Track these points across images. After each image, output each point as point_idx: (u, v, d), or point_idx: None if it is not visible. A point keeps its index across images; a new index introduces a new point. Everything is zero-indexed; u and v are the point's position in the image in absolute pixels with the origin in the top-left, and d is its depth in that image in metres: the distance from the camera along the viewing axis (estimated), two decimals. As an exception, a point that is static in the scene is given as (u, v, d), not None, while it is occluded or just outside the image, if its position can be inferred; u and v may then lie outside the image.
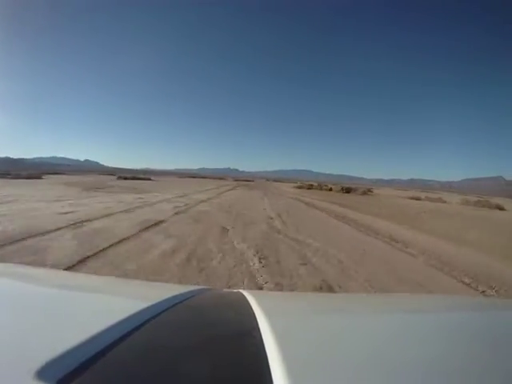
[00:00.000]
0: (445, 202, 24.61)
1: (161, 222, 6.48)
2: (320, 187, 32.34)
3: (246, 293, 0.74)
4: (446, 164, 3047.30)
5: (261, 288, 3.12)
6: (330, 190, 30.66)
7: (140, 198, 11.73)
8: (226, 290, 0.96)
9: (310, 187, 33.16)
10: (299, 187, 34.30)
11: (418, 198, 26.62)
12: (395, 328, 0.57)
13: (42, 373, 0.32)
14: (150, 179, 33.89)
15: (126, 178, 30.62)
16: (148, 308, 0.55)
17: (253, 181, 70.22)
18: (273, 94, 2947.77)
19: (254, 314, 0.57)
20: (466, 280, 3.85)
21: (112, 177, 34.99)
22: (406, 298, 1.07)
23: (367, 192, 28.99)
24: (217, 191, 19.72)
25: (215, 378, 0.37)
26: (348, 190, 29.23)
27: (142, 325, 0.48)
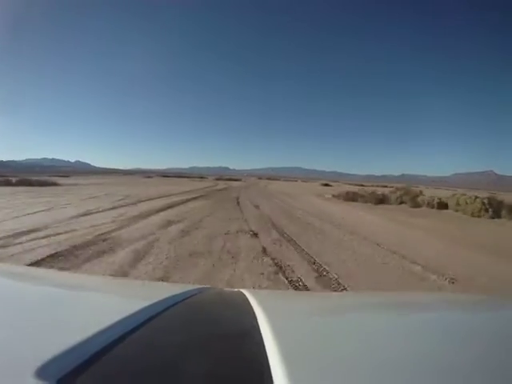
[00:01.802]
0: None
1: None
2: (413, 197, 11.51)
3: (246, 292, 0.73)
4: (437, 159, 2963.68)
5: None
6: (443, 206, 10.13)
7: None
8: (226, 289, 0.95)
9: (377, 199, 12.57)
10: (350, 198, 14.30)
11: None
12: (396, 327, 0.57)
13: (42, 372, 0.31)
14: (54, 184, 19.18)
15: (7, 184, 18.55)
16: (148, 307, 0.54)
17: (240, 179, 49.90)
18: (262, 92, 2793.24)
19: (254, 313, 0.56)
20: None
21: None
22: (407, 297, 1.06)
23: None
24: None
25: (215, 377, 0.37)
26: (496, 210, 8.86)
27: (142, 324, 0.48)
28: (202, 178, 61.53)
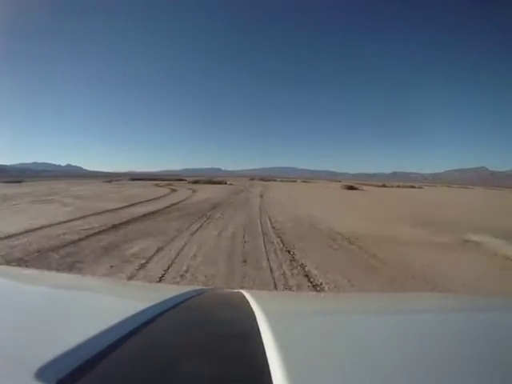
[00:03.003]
0: None
1: None
2: None
3: (246, 293, 0.74)
4: (429, 156, 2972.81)
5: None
6: None
7: None
8: (226, 290, 0.95)
9: None
10: None
11: None
12: (396, 328, 0.56)
13: (42, 373, 0.31)
14: None
15: None
16: (148, 309, 0.54)
17: (225, 182, 36.53)
18: (254, 93, 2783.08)
19: (254, 314, 0.56)
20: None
21: None
22: (407, 298, 1.05)
23: None
24: None
25: (215, 378, 0.37)
26: None
27: (142, 325, 0.48)
28: (180, 180, 49.13)
